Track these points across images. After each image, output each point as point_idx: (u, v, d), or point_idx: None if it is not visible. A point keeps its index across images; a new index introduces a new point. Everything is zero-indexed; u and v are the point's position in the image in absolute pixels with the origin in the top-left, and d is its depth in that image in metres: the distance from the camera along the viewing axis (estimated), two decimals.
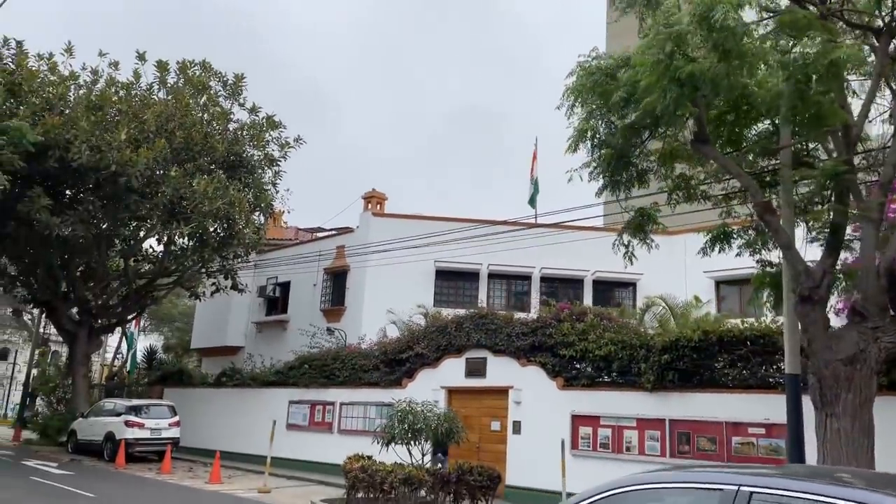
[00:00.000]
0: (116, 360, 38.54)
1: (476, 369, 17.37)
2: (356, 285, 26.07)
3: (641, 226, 11.08)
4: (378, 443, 14.43)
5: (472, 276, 25.83)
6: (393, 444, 14.30)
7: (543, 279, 25.64)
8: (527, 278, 25.74)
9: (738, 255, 11.81)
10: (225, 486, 17.09)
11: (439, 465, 14.28)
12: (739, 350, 12.60)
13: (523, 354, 16.34)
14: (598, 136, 10.00)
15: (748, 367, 12.52)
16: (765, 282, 11.59)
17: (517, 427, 16.15)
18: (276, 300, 29.61)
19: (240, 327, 30.36)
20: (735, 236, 11.76)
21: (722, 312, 22.07)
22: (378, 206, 27.32)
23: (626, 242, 11.10)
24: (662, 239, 26.14)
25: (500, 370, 16.81)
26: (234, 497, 15.38)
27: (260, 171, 23.22)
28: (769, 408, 12.13)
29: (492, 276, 25.79)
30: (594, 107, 9.83)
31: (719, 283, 23.83)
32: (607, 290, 25.48)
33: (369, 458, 14.72)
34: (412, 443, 14.32)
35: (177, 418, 22.13)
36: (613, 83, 9.09)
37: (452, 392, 17.74)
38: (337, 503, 14.37)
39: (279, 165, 23.39)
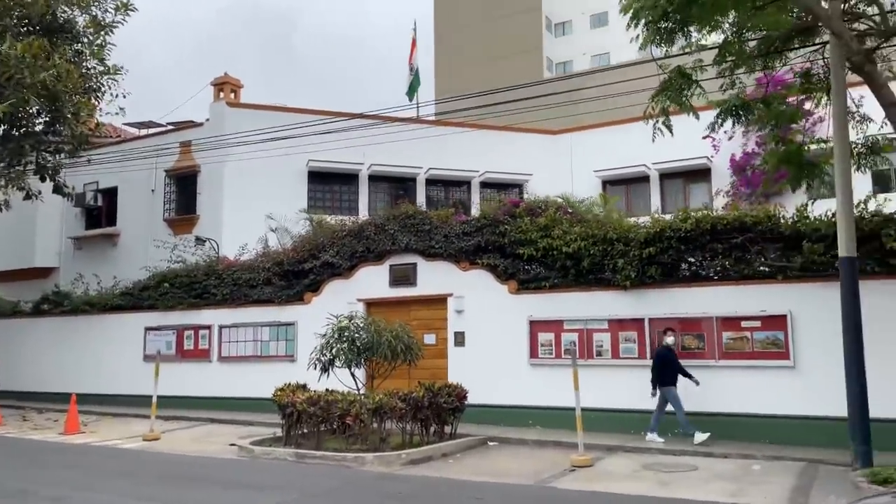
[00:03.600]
0: None
1: (404, 277, 15.03)
2: (211, 190, 21.98)
3: (680, 89, 9.33)
4: (315, 367, 11.78)
5: (350, 178, 22.93)
6: (332, 368, 11.79)
7: (429, 181, 23.48)
8: (411, 180, 23.40)
9: (758, 130, 10.62)
10: (92, 436, 13.40)
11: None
12: (735, 239, 11.60)
13: (465, 257, 14.30)
14: None
15: (744, 258, 11.59)
16: (783, 160, 10.53)
17: (460, 339, 14.26)
18: (99, 210, 24.39)
19: (51, 244, 24.72)
20: (741, 111, 10.41)
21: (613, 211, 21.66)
22: (233, 94, 23.02)
23: (664, 108, 9.33)
24: (548, 138, 25.35)
25: (436, 276, 14.66)
26: (118, 450, 11.93)
27: (86, 39, 17.94)
28: (767, 299, 11.37)
29: (373, 178, 23.07)
30: None
31: (606, 183, 23.35)
32: (495, 191, 23.98)
33: (303, 386, 12.06)
34: (357, 364, 11.88)
35: None
36: None
37: (372, 305, 15.30)
38: (268, 443, 11.60)
39: (112, 33, 18.23)
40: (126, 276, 19.94)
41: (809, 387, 10.90)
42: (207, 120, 22.59)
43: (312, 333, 13.06)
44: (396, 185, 23.38)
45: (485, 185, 23.84)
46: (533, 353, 13.37)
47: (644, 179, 23.05)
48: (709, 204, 20.09)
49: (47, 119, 17.02)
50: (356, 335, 11.68)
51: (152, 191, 23.25)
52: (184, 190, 22.85)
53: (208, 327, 17.36)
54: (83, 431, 13.89)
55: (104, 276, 20.76)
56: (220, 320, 17.22)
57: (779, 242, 11.30)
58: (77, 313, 19.44)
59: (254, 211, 20.39)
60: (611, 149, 23.04)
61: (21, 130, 16.86)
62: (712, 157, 21.35)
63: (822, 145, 10.60)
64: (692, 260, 12.05)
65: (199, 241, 19.31)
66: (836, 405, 10.52)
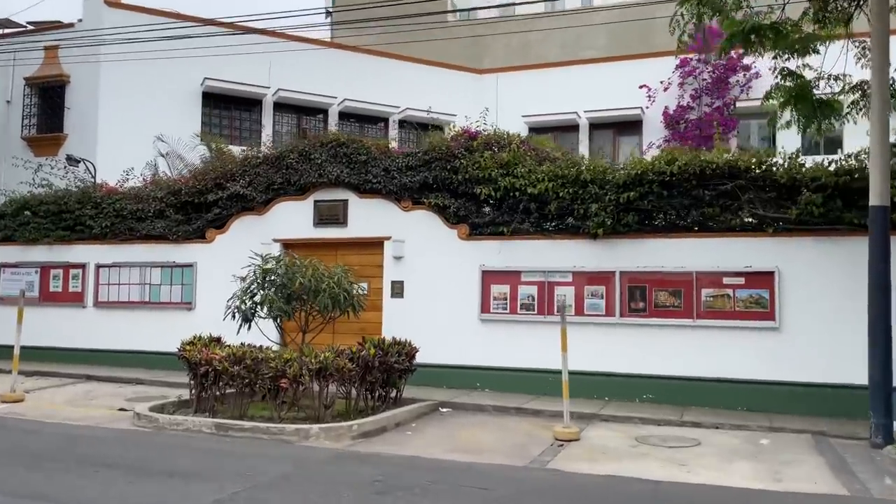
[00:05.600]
0: None
1: (332, 215, 12.89)
2: (83, 105, 18.51)
3: None
4: (233, 317, 9.59)
5: (252, 104, 20.16)
6: (253, 319, 9.65)
7: (343, 115, 21.09)
8: (323, 111, 20.91)
9: (774, 57, 9.33)
10: None
11: None
12: (724, 185, 10.43)
13: (408, 195, 12.36)
14: None
15: (731, 207, 10.47)
16: (795, 96, 9.38)
17: (398, 289, 12.40)
18: None
19: None
20: (753, 35, 9.07)
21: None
22: None
23: (699, 13, 7.79)
24: (472, 77, 23.58)
25: (371, 216, 12.65)
26: None
27: None
28: (753, 254, 10.36)
29: (279, 106, 20.39)
30: None
31: (532, 130, 21.96)
32: (415, 132, 22.00)
33: (216, 340, 9.84)
34: (289, 315, 9.81)
35: None
36: None
37: (292, 247, 13.02)
38: (172, 408, 9.35)
39: None
40: None
41: (794, 351, 10.02)
42: (80, 20, 18.94)
43: (229, 277, 10.76)
44: (306, 116, 20.83)
45: (405, 123, 21.74)
46: (485, 307, 11.77)
47: (573, 128, 21.89)
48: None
49: None
50: (287, 280, 9.55)
51: (8, 102, 19.47)
52: (48, 103, 19.19)
53: (82, 266, 14.43)
54: None
55: None
56: (98, 258, 14.33)
57: (772, 192, 10.23)
58: None
59: (136, 133, 17.42)
60: (538, 93, 21.68)
61: None
62: (647, 107, 20.46)
63: (835, 82, 9.53)
64: (674, 207, 10.77)
65: (72, 160, 16.05)
66: (822, 371, 9.77)
